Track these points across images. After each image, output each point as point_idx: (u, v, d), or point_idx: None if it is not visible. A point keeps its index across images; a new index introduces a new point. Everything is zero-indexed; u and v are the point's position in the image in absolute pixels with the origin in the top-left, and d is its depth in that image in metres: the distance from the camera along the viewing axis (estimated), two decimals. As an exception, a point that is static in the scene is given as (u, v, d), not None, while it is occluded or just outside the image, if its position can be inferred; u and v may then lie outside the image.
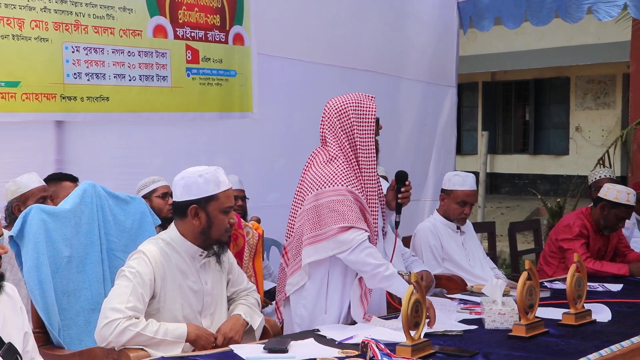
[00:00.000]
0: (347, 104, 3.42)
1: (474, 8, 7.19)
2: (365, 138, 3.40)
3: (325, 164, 3.37)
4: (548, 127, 17.52)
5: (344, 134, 3.40)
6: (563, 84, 17.06)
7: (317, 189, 3.33)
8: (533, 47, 15.84)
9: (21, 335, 2.54)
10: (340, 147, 3.40)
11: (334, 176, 3.32)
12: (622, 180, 10.59)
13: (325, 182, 3.32)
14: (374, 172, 3.42)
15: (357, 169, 3.39)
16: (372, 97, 3.46)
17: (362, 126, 3.40)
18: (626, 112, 12.95)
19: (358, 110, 3.40)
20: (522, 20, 6.95)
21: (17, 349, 2.45)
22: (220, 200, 3.06)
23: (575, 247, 4.69)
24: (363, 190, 3.38)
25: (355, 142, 3.39)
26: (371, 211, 3.40)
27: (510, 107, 18.23)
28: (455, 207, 4.53)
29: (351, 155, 3.39)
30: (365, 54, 6.49)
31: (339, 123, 3.41)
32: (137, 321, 2.90)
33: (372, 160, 3.40)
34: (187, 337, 2.96)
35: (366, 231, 3.27)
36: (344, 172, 3.34)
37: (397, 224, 3.53)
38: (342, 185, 3.30)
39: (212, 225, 3.06)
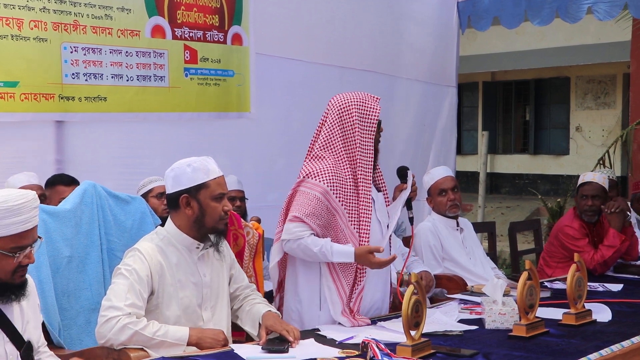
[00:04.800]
0: (351, 101, 3.42)
1: (474, 8, 7.18)
2: (366, 138, 3.40)
3: (314, 160, 3.41)
4: (548, 127, 17.52)
5: (340, 131, 3.40)
6: (563, 84, 17.06)
7: (301, 178, 3.40)
8: (533, 47, 15.84)
9: (39, 332, 2.66)
10: (328, 144, 3.41)
11: (319, 171, 3.35)
12: (622, 180, 10.60)
13: (310, 175, 3.37)
14: (370, 172, 3.41)
15: (346, 168, 3.39)
16: (377, 98, 3.46)
17: (365, 126, 3.40)
18: (626, 112, 12.94)
19: (362, 109, 3.41)
20: (522, 20, 6.94)
21: (33, 347, 2.58)
22: (211, 188, 3.05)
23: (582, 245, 4.71)
24: (357, 190, 3.38)
25: (355, 140, 3.39)
26: (363, 212, 3.38)
27: (510, 107, 18.23)
28: (440, 200, 4.56)
29: (342, 154, 3.39)
30: (365, 54, 6.48)
31: (339, 120, 3.41)
32: (137, 320, 2.89)
33: (369, 161, 3.40)
34: (188, 340, 2.93)
35: (311, 229, 3.32)
36: (329, 170, 3.35)
37: (411, 219, 3.53)
38: (324, 182, 3.33)
39: (205, 213, 3.05)
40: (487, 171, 10.94)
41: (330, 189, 3.34)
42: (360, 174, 3.39)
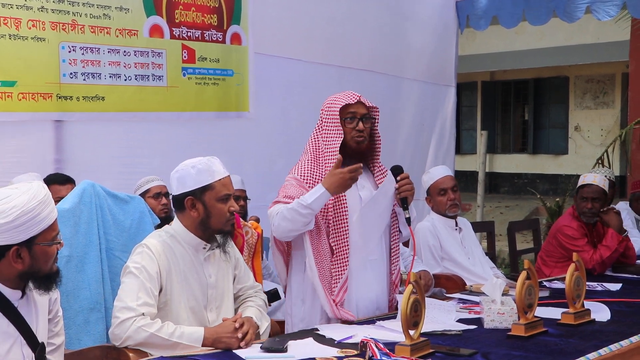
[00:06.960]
0: (327, 100, 3.47)
1: (472, 7, 7.19)
2: (328, 132, 3.42)
3: (300, 159, 3.50)
4: (547, 126, 17.52)
5: (321, 129, 3.47)
6: (562, 84, 17.06)
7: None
8: (532, 47, 15.84)
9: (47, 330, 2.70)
10: (312, 143, 3.48)
11: (297, 167, 3.44)
12: (621, 179, 10.61)
13: (290, 172, 3.46)
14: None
15: (325, 164, 3.40)
16: (353, 93, 3.44)
17: (326, 120, 3.43)
18: (625, 112, 12.95)
19: (328, 106, 3.44)
20: (520, 19, 6.94)
21: (45, 347, 2.60)
22: (216, 189, 3.04)
23: (581, 245, 4.71)
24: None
25: (323, 136, 3.44)
26: (337, 205, 3.38)
27: (509, 106, 18.23)
28: (439, 199, 4.56)
29: (324, 151, 3.43)
30: (363, 54, 6.48)
31: (320, 119, 3.48)
32: (151, 322, 2.87)
33: (332, 156, 3.39)
34: (203, 342, 2.90)
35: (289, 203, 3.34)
36: (306, 165, 3.42)
37: (407, 220, 3.44)
38: (299, 174, 3.40)
39: (211, 215, 3.04)
40: (485, 171, 10.93)
41: (303, 180, 3.38)
42: (327, 168, 3.39)
